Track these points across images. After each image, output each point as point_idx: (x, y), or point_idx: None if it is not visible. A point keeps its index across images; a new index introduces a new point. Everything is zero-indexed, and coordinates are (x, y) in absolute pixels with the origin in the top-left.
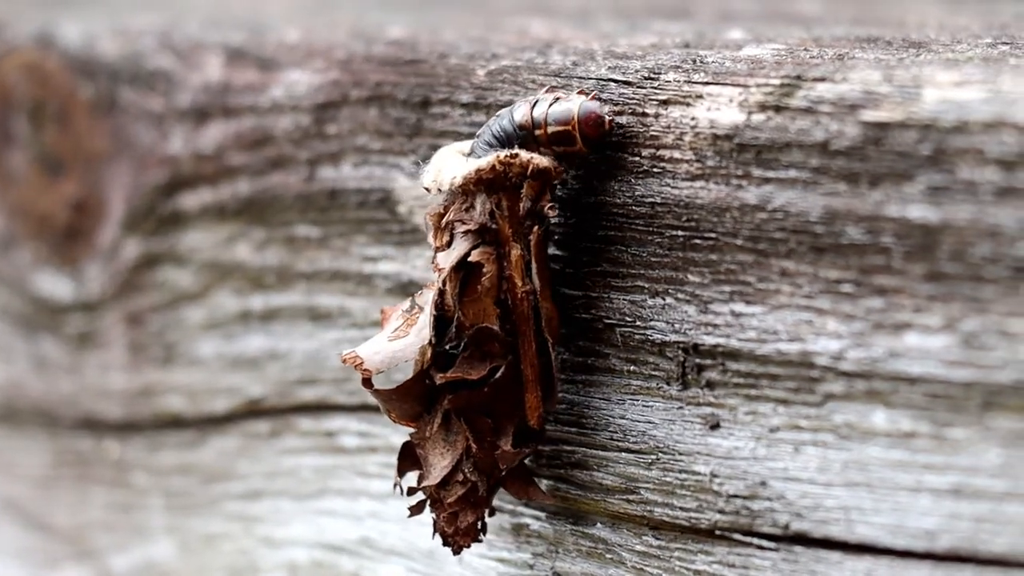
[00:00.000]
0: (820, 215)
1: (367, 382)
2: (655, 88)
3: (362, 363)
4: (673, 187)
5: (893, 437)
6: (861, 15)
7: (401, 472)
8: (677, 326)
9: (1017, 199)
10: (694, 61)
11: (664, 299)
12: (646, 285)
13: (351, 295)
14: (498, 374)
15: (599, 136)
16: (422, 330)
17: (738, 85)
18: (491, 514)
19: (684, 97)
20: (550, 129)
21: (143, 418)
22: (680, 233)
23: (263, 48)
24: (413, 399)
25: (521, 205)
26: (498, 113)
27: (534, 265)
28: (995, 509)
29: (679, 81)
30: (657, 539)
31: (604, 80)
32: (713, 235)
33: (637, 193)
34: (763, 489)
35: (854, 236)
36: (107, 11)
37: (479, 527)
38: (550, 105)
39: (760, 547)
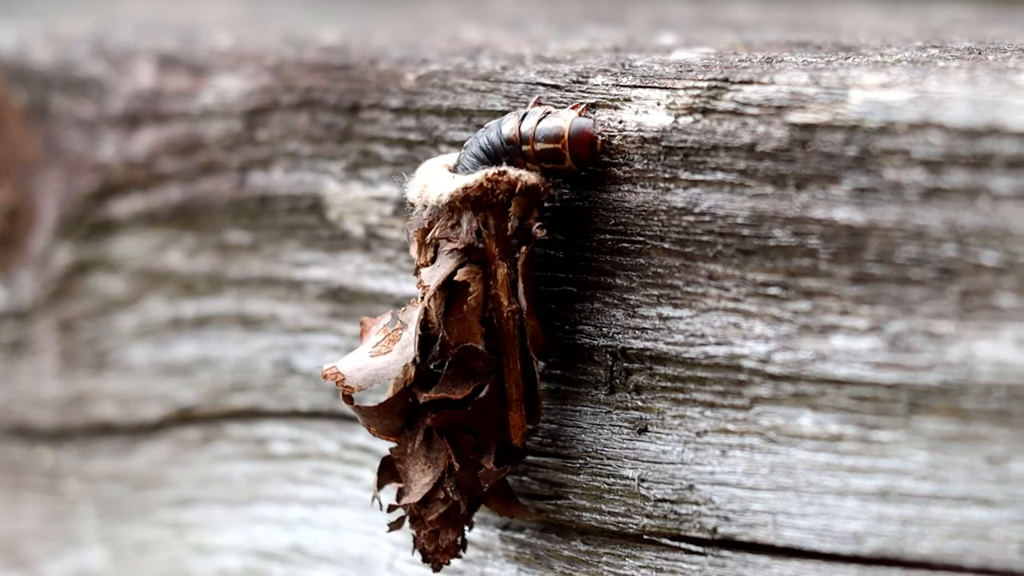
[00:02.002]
0: (747, 218)
1: (348, 398)
2: (583, 92)
3: (343, 379)
4: (601, 191)
5: (820, 440)
6: (795, 21)
7: (380, 485)
8: (605, 330)
9: (943, 200)
10: (623, 65)
11: (592, 303)
12: (574, 289)
13: (282, 301)
14: (482, 393)
15: (589, 156)
16: (406, 348)
17: (666, 88)
18: (470, 528)
19: (612, 100)
20: (538, 146)
21: (75, 426)
22: (608, 237)
23: (195, 54)
24: (395, 415)
25: (509, 224)
26: (486, 125)
27: (520, 284)
28: (921, 511)
29: (607, 84)
30: (585, 544)
31: (533, 84)
32: (641, 239)
33: (565, 197)
34: (691, 493)
35: (781, 238)
36: (40, 17)
37: (459, 543)
38: (539, 120)
39: (688, 551)
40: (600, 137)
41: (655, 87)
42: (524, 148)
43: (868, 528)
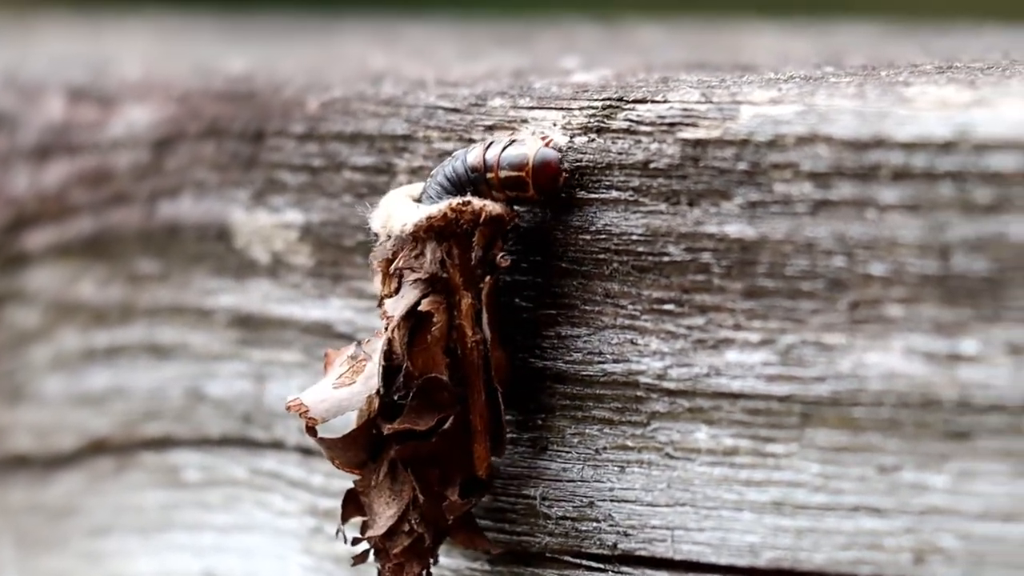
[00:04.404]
0: (642, 235)
1: (311, 430)
2: (482, 114)
3: (307, 411)
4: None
5: (716, 454)
6: (698, 42)
7: (345, 519)
8: (506, 350)
9: (831, 212)
10: (521, 87)
11: None
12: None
13: (191, 329)
14: (446, 425)
15: (554, 186)
16: (370, 379)
17: (562, 108)
18: (435, 562)
19: (510, 122)
20: (502, 173)
21: None
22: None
23: (104, 86)
24: (359, 448)
25: (473, 254)
26: (453, 154)
27: (485, 315)
28: (815, 522)
29: (505, 107)
30: (490, 563)
31: (432, 107)
32: (538, 258)
33: None
34: (591, 510)
35: (675, 255)
36: None
37: None
38: (504, 148)
39: (589, 568)
40: (565, 168)
41: (551, 108)
42: (488, 176)
43: (764, 540)
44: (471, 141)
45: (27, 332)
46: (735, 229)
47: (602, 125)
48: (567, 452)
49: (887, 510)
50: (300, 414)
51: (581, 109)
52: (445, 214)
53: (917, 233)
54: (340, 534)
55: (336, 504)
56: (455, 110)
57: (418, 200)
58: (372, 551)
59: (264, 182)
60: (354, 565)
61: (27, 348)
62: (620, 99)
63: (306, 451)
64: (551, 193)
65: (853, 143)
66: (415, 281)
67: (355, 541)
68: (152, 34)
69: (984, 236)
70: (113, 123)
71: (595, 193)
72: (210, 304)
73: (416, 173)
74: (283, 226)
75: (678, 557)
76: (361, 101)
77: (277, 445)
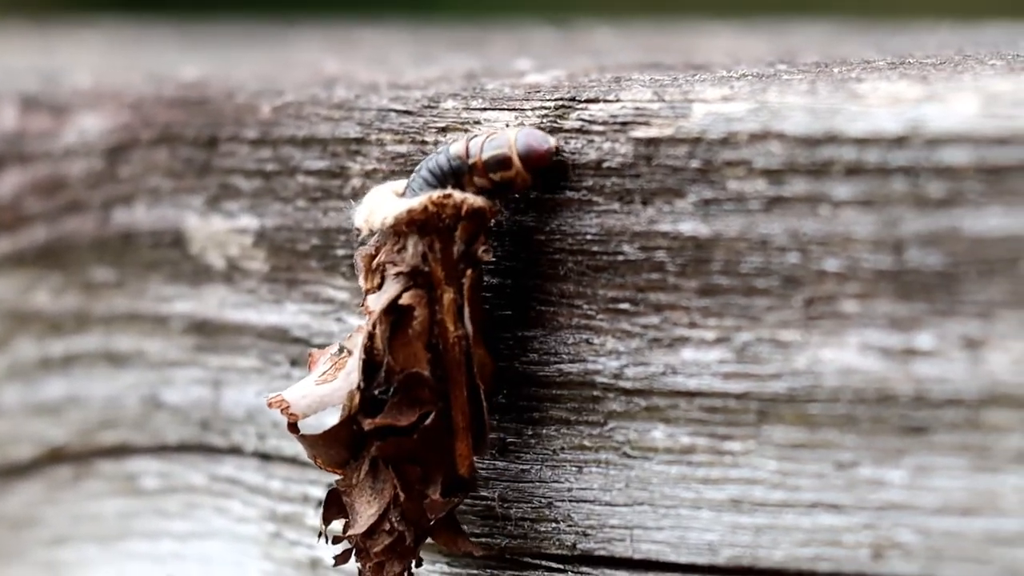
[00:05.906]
0: (596, 234)
1: (293, 426)
2: (434, 116)
3: (288, 407)
4: None
5: (673, 452)
6: (653, 44)
7: (327, 520)
8: None
9: (785, 209)
10: (474, 89)
11: None
12: None
13: (147, 336)
14: (427, 421)
15: (539, 157)
16: (350, 374)
17: (514, 109)
18: (419, 564)
19: (462, 123)
20: (485, 155)
21: None
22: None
23: (56, 94)
24: (340, 445)
25: (455, 248)
26: (436, 148)
27: (467, 310)
28: (773, 519)
29: (458, 108)
30: (451, 566)
31: (385, 110)
32: (493, 259)
33: None
34: (549, 511)
35: (629, 254)
36: None
37: None
38: (488, 136)
39: (548, 568)
40: (553, 142)
41: (504, 109)
42: (471, 162)
43: (722, 538)
44: (424, 143)
45: None
46: (689, 227)
47: (555, 125)
48: (525, 453)
49: (845, 506)
50: (281, 410)
51: (534, 110)
52: (426, 207)
53: (871, 228)
54: (322, 536)
55: (295, 509)
56: (408, 112)
57: (402, 195)
58: (353, 550)
59: (218, 188)
60: (336, 565)
61: None
62: (572, 99)
63: (264, 456)
64: (539, 169)
65: (805, 139)
66: (397, 275)
67: (336, 540)
68: (107, 44)
69: (937, 230)
70: (66, 131)
71: (549, 193)
72: (166, 311)
73: (370, 176)
74: (238, 231)
75: (637, 556)
76: (314, 105)
77: (235, 451)
